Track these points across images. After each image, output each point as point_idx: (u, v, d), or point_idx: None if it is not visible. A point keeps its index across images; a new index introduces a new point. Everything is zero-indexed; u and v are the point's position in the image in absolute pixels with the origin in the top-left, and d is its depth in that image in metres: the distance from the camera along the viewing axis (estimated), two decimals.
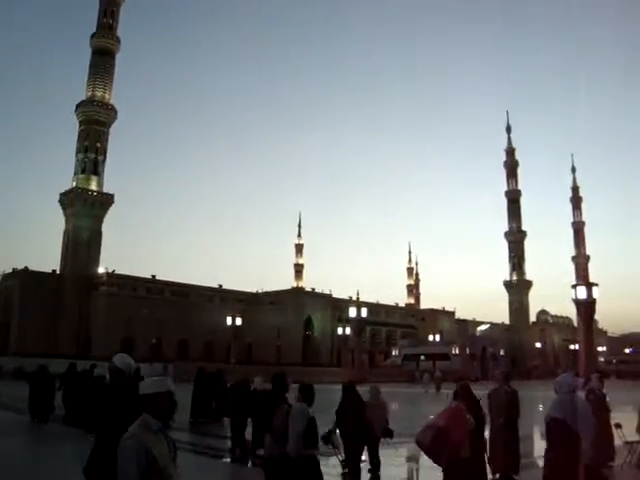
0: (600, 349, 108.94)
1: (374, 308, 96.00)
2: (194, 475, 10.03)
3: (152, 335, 77.88)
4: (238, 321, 69.29)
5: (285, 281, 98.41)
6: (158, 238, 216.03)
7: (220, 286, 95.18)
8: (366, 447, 11.11)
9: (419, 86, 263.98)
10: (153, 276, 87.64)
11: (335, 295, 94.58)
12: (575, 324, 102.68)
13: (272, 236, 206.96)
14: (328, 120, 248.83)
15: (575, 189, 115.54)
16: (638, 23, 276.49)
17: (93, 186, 77.64)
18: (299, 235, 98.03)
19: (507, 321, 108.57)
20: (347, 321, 74.94)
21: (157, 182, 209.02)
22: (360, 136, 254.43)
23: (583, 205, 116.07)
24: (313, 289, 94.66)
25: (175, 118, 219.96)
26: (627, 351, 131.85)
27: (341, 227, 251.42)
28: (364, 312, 70.55)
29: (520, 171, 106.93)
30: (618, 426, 12.54)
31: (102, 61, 79.71)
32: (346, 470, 10.44)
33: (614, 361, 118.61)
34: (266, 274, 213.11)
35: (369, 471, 11.09)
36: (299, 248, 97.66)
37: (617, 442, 12.49)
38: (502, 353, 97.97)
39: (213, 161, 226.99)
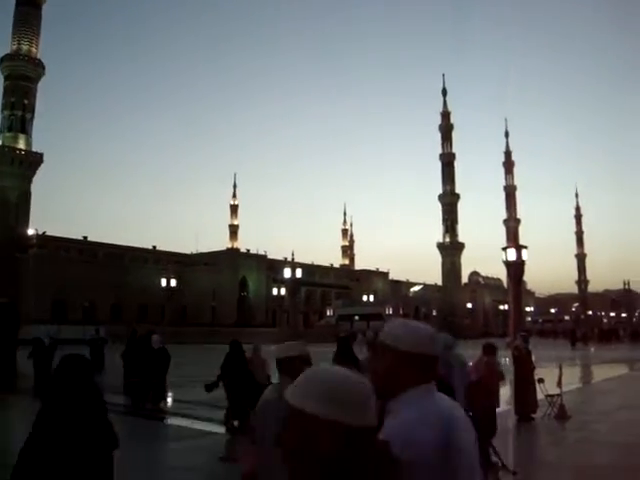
0: (528, 309, 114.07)
1: (309, 269, 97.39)
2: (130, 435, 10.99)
3: (85, 298, 77.27)
4: (173, 283, 69.72)
5: (220, 242, 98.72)
6: (91, 199, 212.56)
7: (154, 247, 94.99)
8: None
9: (356, 48, 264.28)
10: (85, 237, 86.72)
11: (270, 256, 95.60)
12: (505, 285, 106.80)
13: (207, 197, 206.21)
14: (265, 81, 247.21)
15: (508, 153, 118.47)
16: None
17: (21, 145, 75.64)
18: (234, 196, 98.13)
19: (440, 282, 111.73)
20: (282, 282, 76.05)
21: (89, 142, 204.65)
22: (297, 98, 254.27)
23: (515, 169, 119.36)
24: (248, 250, 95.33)
25: (108, 76, 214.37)
26: (552, 311, 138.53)
27: (277, 188, 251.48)
28: (299, 273, 71.87)
29: (455, 134, 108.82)
30: (541, 381, 13.65)
31: (27, 12, 76.97)
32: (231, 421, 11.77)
33: (540, 320, 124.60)
34: (201, 235, 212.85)
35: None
36: (234, 209, 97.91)
37: (539, 395, 13.58)
38: (434, 313, 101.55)
39: (147, 120, 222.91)
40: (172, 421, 14.00)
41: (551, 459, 9.50)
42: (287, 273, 70.92)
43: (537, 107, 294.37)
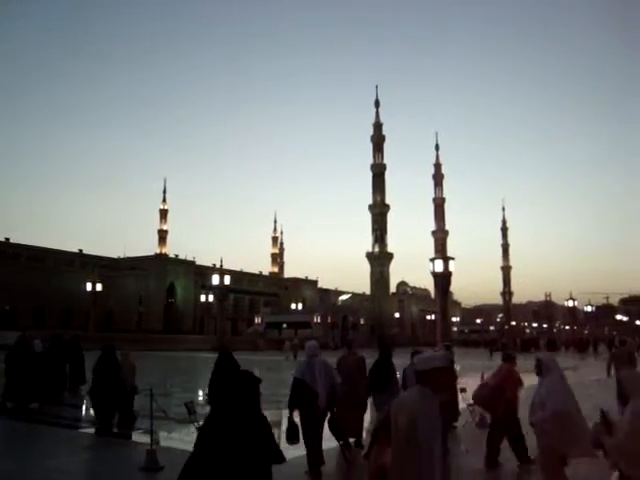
0: (454, 319, 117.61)
1: (238, 276, 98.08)
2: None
3: (4, 302, 75.98)
4: (98, 287, 68.94)
5: (149, 247, 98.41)
6: (14, 199, 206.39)
7: (80, 251, 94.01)
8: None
9: (288, 54, 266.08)
10: (7, 239, 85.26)
11: (199, 262, 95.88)
12: (432, 296, 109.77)
13: (136, 201, 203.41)
14: (196, 86, 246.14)
15: (437, 166, 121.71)
16: (500, 4, 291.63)
17: None
18: (164, 201, 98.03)
19: (369, 291, 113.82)
20: (210, 289, 76.54)
21: (11, 138, 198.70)
22: (229, 103, 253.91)
23: (444, 182, 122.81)
24: (177, 256, 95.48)
25: (35, 69, 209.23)
26: (478, 321, 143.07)
27: (208, 195, 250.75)
28: (227, 280, 72.41)
29: (387, 146, 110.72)
30: (463, 390, 13.88)
31: None
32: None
33: (466, 330, 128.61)
34: (130, 240, 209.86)
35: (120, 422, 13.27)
36: (163, 214, 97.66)
37: (462, 405, 14.01)
38: (362, 322, 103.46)
39: (73, 118, 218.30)
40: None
41: (470, 467, 9.63)
42: (215, 280, 71.47)
43: (467, 121, 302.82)
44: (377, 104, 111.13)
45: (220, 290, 72.28)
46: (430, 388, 4.22)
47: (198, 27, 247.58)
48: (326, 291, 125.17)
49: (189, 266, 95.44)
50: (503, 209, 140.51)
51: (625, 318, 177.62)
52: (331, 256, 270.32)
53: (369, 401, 11.92)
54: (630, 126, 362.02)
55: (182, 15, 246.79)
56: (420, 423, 4.07)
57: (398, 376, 11.87)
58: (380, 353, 11.86)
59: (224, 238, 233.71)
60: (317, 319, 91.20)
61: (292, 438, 8.79)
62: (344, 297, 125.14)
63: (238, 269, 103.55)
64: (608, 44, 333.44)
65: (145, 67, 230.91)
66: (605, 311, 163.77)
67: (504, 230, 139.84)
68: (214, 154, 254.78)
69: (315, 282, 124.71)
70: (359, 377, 11.30)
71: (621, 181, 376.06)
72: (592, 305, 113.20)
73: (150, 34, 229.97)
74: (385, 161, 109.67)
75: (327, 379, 9.20)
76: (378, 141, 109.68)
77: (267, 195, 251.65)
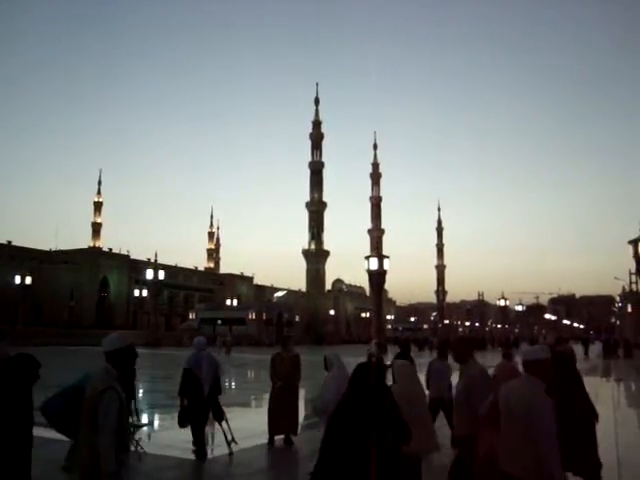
0: (389, 317, 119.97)
1: (172, 271, 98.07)
2: None
3: None
4: (28, 280, 67.99)
5: (82, 240, 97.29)
6: None
7: (9, 242, 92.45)
8: None
9: (229, 50, 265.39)
10: None
11: (134, 256, 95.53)
12: (367, 293, 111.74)
13: (70, 193, 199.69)
14: (132, 78, 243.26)
15: (375, 165, 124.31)
16: (439, 6, 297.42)
17: None
18: (99, 192, 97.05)
19: (304, 288, 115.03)
20: (144, 283, 76.56)
21: None
22: (166, 95, 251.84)
23: (382, 181, 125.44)
24: (110, 249, 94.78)
25: None
26: (412, 319, 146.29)
27: (144, 188, 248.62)
28: (161, 274, 72.62)
29: (325, 144, 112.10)
30: None
31: None
32: None
33: (400, 328, 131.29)
34: (62, 232, 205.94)
35: None
36: (98, 206, 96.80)
37: None
38: (297, 319, 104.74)
39: (13, 111, 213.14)
40: None
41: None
42: (149, 274, 71.70)
43: (405, 121, 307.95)
44: (317, 102, 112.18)
45: (154, 285, 72.52)
46: (537, 376, 4.70)
47: (124, 16, 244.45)
48: (262, 287, 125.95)
49: (123, 260, 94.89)
50: (439, 209, 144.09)
51: (554, 317, 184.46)
52: (268, 253, 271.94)
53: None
54: (564, 130, 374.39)
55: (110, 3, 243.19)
56: (539, 409, 4.48)
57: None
58: (401, 351, 12.85)
59: (160, 232, 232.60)
60: (252, 316, 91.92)
61: (182, 421, 10.26)
62: (280, 294, 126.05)
63: (173, 264, 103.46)
64: (541, 44, 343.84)
65: (80, 63, 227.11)
66: (535, 310, 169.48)
67: (439, 230, 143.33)
68: (150, 147, 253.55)
69: (251, 278, 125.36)
70: (294, 374, 11.65)
71: (552, 185, 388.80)
72: (523, 304, 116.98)
73: (86, 25, 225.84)
74: (323, 159, 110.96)
75: (212, 370, 10.49)
76: (317, 139, 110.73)
77: (204, 190, 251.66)
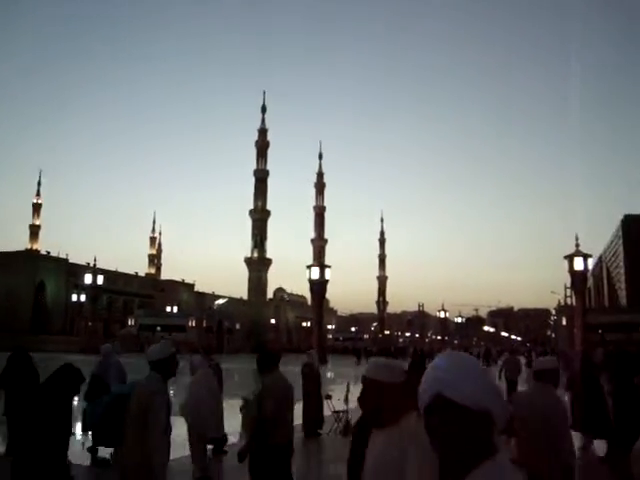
0: (330, 327, 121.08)
1: (112, 276, 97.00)
2: None
3: None
4: None
5: (19, 242, 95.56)
6: None
7: None
8: None
9: (172, 61, 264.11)
10: None
11: (73, 260, 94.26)
12: (309, 303, 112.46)
13: (6, 193, 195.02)
14: (74, 81, 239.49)
15: (320, 175, 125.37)
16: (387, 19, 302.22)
17: None
18: (38, 194, 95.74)
19: (246, 296, 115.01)
20: (83, 288, 75.76)
21: None
22: (108, 98, 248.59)
23: (326, 191, 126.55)
24: (48, 252, 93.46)
25: None
26: (353, 329, 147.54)
27: (85, 192, 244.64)
28: (100, 279, 71.85)
29: (271, 152, 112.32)
30: (328, 397, 14.44)
31: None
32: None
33: (341, 338, 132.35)
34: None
35: None
36: (37, 208, 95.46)
37: (327, 412, 14.24)
38: (238, 327, 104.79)
39: None
40: None
41: (333, 474, 9.83)
42: (88, 279, 70.96)
43: (351, 132, 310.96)
44: (264, 110, 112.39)
45: (92, 290, 71.77)
46: (547, 383, 5.31)
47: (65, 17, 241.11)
48: (203, 295, 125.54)
49: (61, 264, 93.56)
50: (381, 220, 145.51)
51: (492, 329, 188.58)
52: (210, 260, 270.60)
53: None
54: (503, 146, 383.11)
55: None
56: (556, 411, 5.10)
57: None
58: (416, 361, 13.79)
59: (100, 237, 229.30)
60: (192, 323, 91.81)
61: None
62: (221, 301, 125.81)
63: (113, 269, 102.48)
64: (484, 59, 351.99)
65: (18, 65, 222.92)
66: (474, 322, 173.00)
67: (381, 241, 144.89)
68: (92, 150, 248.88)
69: (192, 285, 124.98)
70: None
71: (492, 200, 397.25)
72: (462, 316, 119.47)
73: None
74: (268, 167, 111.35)
75: (120, 375, 11.25)
76: (262, 147, 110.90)
77: (146, 195, 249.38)
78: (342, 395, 14.31)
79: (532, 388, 5.58)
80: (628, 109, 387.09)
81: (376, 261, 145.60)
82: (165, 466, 4.89)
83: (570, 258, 44.39)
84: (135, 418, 4.87)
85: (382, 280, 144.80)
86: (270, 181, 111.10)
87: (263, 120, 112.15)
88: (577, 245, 44.20)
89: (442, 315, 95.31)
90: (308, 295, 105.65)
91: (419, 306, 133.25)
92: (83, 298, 76.74)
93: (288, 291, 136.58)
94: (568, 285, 60.80)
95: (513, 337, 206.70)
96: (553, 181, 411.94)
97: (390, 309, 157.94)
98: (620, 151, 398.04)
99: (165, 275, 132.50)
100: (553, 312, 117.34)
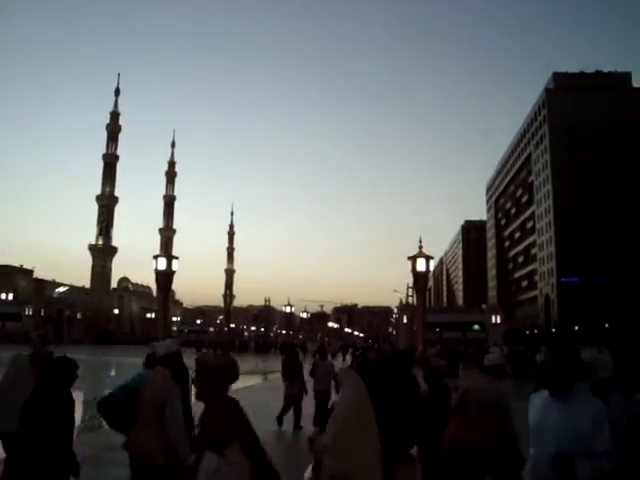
0: (175, 319, 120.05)
1: None
2: None
3: None
4: None
5: None
6: None
7: None
8: None
9: (27, 40, 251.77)
10: None
11: None
12: (155, 294, 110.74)
13: None
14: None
15: (172, 164, 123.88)
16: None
17: None
18: None
19: (89, 285, 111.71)
20: None
21: None
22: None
23: (178, 180, 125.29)
24: None
25: None
26: (199, 322, 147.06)
27: None
28: None
29: (122, 137, 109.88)
30: None
31: None
32: None
33: (186, 330, 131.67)
34: None
35: None
36: None
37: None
38: (79, 316, 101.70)
39: None
40: None
41: None
42: None
43: (205, 123, 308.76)
44: (117, 92, 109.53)
45: None
46: (491, 376, 6.41)
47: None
48: (42, 282, 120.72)
49: None
50: (232, 213, 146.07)
51: (336, 325, 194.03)
52: (53, 246, 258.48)
53: None
54: (350, 144, 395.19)
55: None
56: (503, 402, 6.15)
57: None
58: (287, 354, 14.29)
59: None
60: (29, 311, 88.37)
61: None
62: (61, 289, 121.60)
63: None
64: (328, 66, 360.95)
65: None
66: (319, 318, 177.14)
67: (231, 234, 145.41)
68: None
69: (30, 271, 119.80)
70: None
71: (338, 199, 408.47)
72: (308, 312, 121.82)
73: None
74: (119, 152, 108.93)
75: None
76: (114, 130, 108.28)
77: None
78: None
79: (482, 379, 6.57)
80: (459, 116, 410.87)
81: (225, 254, 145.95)
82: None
83: (413, 259, 46.61)
84: (149, 411, 5.17)
85: (230, 273, 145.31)
86: (120, 167, 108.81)
87: (116, 103, 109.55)
88: (420, 247, 46.64)
89: (288, 310, 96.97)
90: (154, 286, 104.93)
91: (265, 300, 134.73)
92: None
93: (133, 281, 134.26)
94: (410, 285, 63.87)
95: (356, 333, 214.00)
96: (400, 184, 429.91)
97: (237, 303, 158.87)
98: (465, 155, 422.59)
99: (1, 260, 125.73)
100: (395, 310, 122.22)
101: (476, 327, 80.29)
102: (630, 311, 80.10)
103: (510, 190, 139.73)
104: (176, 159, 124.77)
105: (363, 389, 4.44)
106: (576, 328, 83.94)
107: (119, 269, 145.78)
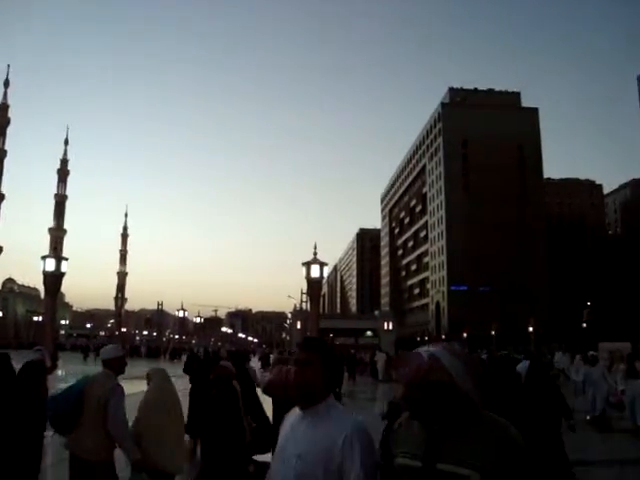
0: (64, 322, 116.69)
1: None
2: None
3: None
4: None
5: None
6: None
7: None
8: None
9: None
10: None
11: None
12: (42, 296, 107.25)
13: None
14: None
15: (64, 161, 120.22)
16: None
17: None
18: None
19: None
20: None
21: None
22: None
23: (70, 179, 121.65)
24: None
25: None
26: (88, 326, 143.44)
27: None
28: None
29: (11, 131, 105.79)
30: None
31: None
32: None
33: (75, 334, 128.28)
34: None
35: None
36: None
37: None
38: None
39: None
40: None
41: None
42: None
43: (102, 122, 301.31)
44: (7, 84, 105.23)
45: None
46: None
47: None
48: None
49: None
50: (126, 215, 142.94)
51: (230, 330, 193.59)
52: None
53: None
54: (249, 155, 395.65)
55: None
56: None
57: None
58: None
59: None
60: None
61: None
62: None
63: None
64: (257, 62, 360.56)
65: None
66: (213, 323, 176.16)
67: (124, 236, 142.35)
68: None
69: None
70: None
71: (235, 205, 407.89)
72: (201, 317, 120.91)
73: None
74: (7, 147, 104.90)
75: None
76: (1, 123, 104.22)
77: None
78: None
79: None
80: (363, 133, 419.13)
81: (117, 256, 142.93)
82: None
83: (308, 265, 47.31)
84: (92, 411, 5.43)
85: (122, 276, 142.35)
86: (7, 162, 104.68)
87: (5, 95, 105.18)
88: (315, 253, 47.33)
89: (181, 314, 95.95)
90: (42, 288, 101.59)
91: (158, 304, 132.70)
92: None
93: (19, 282, 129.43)
94: (304, 291, 64.83)
95: (250, 338, 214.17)
96: (297, 191, 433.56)
97: (129, 306, 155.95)
98: (362, 165, 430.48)
99: None
100: (289, 315, 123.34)
101: (369, 333, 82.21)
102: (510, 318, 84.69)
103: (404, 200, 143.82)
104: (69, 157, 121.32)
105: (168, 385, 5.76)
106: (465, 335, 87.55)
107: (4, 270, 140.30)
